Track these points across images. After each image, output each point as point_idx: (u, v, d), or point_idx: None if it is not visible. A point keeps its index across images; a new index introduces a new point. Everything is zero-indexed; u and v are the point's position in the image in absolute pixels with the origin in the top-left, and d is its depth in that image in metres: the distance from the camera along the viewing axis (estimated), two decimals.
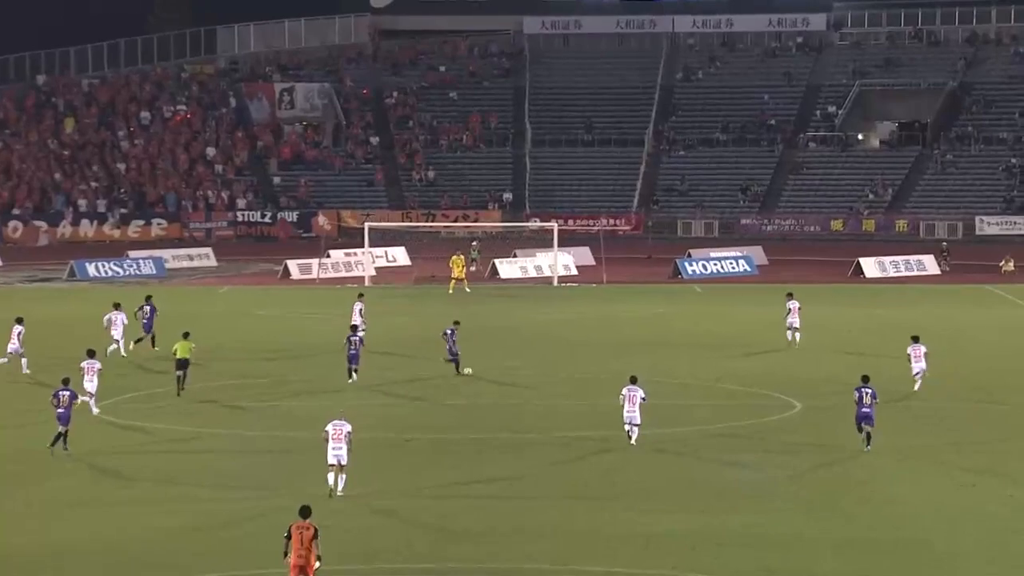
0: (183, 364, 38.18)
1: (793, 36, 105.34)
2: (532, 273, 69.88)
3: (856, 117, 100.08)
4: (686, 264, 70.53)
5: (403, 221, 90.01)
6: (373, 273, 69.31)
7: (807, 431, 34.34)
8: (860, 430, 32.10)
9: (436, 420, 35.85)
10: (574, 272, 70.47)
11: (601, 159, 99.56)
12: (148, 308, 44.69)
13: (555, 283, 67.41)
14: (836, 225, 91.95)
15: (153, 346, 44.12)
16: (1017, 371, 42.36)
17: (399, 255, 76.98)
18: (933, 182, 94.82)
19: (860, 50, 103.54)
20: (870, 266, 69.90)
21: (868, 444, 32.00)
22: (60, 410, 31.56)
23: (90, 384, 35.14)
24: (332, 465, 28.17)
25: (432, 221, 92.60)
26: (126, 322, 43.49)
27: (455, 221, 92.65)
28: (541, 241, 72.55)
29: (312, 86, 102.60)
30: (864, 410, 32.12)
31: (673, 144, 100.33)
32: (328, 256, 72.43)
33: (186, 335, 38.79)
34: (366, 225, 71.09)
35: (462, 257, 64.00)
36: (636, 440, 32.58)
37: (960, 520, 26.52)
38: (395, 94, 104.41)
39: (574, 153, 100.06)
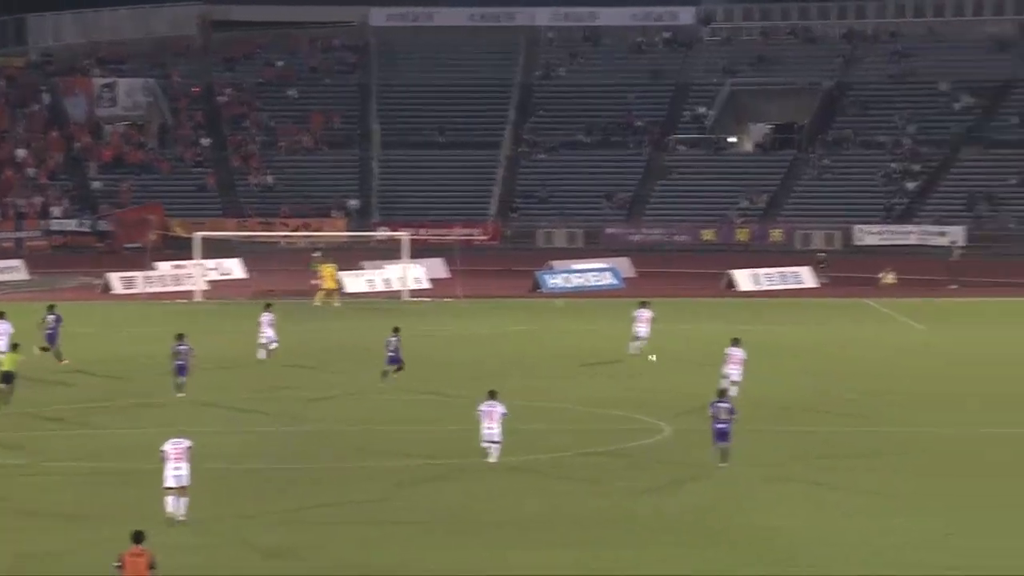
0: (8, 377, 39.59)
1: (660, 31, 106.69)
2: (380, 287, 69.82)
3: (728, 118, 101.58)
4: (547, 277, 70.98)
5: (238, 230, 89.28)
6: (205, 287, 68.77)
7: (676, 456, 34.84)
8: (715, 447, 33.17)
9: (282, 445, 35.77)
10: (426, 286, 70.50)
11: (455, 163, 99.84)
12: (52, 318, 46.70)
13: (406, 297, 67.42)
14: (707, 235, 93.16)
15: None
16: (893, 391, 43.36)
17: (234, 267, 76.41)
18: (809, 189, 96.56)
19: (732, 47, 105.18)
20: (743, 278, 70.87)
21: (724, 460, 33.05)
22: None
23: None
24: (171, 488, 28.07)
25: (270, 230, 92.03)
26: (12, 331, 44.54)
27: (295, 230, 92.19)
28: (390, 252, 72.52)
29: (135, 81, 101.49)
30: (720, 426, 33.18)
31: (533, 147, 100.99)
32: (153, 268, 71.70)
33: (15, 347, 41.03)
34: (197, 235, 70.53)
35: (334, 267, 64.00)
36: (496, 458, 33.21)
37: (837, 546, 27.17)
38: (228, 91, 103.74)
39: (426, 156, 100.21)
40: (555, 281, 70.61)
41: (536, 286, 69.97)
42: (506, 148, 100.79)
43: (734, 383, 40.25)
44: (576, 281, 71.29)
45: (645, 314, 48.96)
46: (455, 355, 50.47)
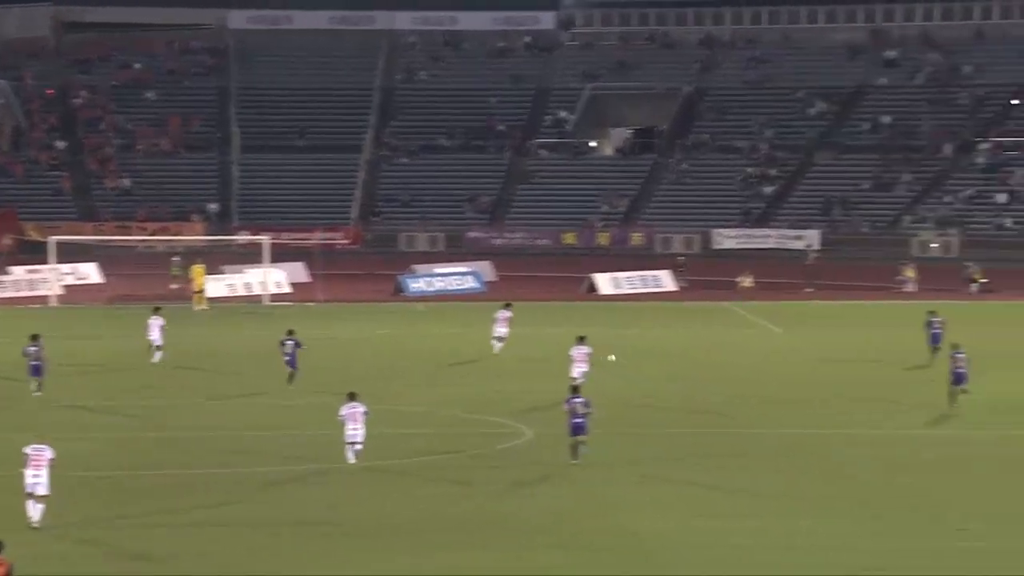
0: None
1: (521, 35, 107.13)
2: (241, 291, 69.31)
3: (589, 123, 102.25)
4: (409, 281, 70.97)
5: (94, 234, 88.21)
6: (60, 292, 67.91)
7: (539, 458, 35.03)
8: (573, 443, 33.92)
9: (137, 453, 35.39)
10: (287, 290, 70.15)
11: (316, 167, 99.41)
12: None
13: (266, 302, 67.03)
14: (568, 238, 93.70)
15: None
16: (750, 395, 43.89)
17: (90, 272, 75.54)
18: (669, 193, 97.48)
19: (591, 51, 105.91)
20: (604, 282, 71.34)
21: (577, 457, 33.83)
22: None
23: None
24: (29, 494, 28.10)
25: (128, 234, 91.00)
26: None
27: (154, 234, 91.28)
28: (251, 256, 72.04)
29: None
30: (576, 420, 34.08)
31: (394, 151, 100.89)
32: (7, 273, 70.57)
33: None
34: (51, 239, 69.59)
35: (203, 267, 63.72)
36: (355, 458, 33.44)
37: (698, 547, 27.51)
38: (83, 94, 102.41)
39: (286, 160, 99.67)
40: (417, 285, 70.62)
41: (398, 290, 69.91)
42: (367, 152, 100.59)
43: (575, 378, 41.17)
44: (438, 285, 71.38)
45: (505, 314, 50.12)
46: (316, 360, 50.27)
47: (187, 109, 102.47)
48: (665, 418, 40.26)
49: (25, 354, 42.05)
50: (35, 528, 27.86)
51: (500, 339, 49.82)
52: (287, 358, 43.88)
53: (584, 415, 34.10)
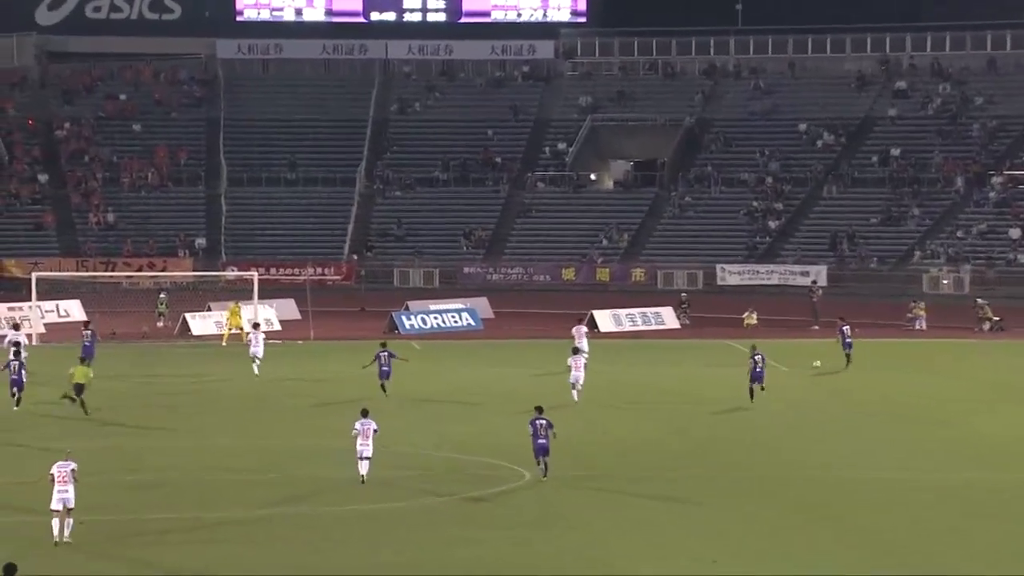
0: (80, 389, 45.07)
1: (519, 65, 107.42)
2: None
3: (588, 155, 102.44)
4: (403, 318, 70.96)
5: (78, 270, 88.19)
6: (42, 330, 67.89)
7: (537, 504, 34.97)
8: (538, 462, 36.20)
9: (117, 497, 35.30)
10: (277, 327, 70.10)
11: (307, 200, 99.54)
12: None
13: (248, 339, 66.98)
14: (568, 274, 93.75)
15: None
16: (750, 440, 43.91)
17: (73, 309, 75.49)
18: (671, 227, 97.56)
19: (591, 82, 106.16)
20: (604, 319, 71.35)
21: (545, 474, 36.15)
22: None
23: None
24: (57, 511, 29.77)
25: (112, 270, 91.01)
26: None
27: (139, 270, 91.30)
28: (240, 292, 72.07)
29: None
30: (540, 441, 36.33)
31: (388, 184, 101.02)
32: None
33: (83, 359, 47.01)
34: (33, 275, 69.66)
35: (240, 306, 64.65)
36: (366, 476, 35.66)
37: None
38: (67, 125, 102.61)
39: (276, 194, 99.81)
40: (412, 322, 70.60)
41: (392, 327, 69.88)
42: (360, 185, 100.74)
43: (573, 384, 48.29)
44: (433, 322, 71.35)
45: (583, 329, 55.24)
46: (303, 399, 50.22)
47: (174, 141, 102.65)
48: (667, 460, 40.19)
49: (7, 367, 45.52)
50: (67, 543, 29.51)
51: (578, 351, 51.56)
52: (384, 369, 49.66)
53: (546, 436, 36.24)
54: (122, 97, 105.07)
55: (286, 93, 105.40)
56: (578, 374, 48.51)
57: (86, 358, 48.62)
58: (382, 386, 49.56)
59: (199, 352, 62.63)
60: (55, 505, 29.94)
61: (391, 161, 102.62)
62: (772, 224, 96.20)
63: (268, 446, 41.87)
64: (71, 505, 30.04)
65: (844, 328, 59.74)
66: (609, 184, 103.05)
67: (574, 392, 48.54)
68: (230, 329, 65.00)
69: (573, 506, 34.43)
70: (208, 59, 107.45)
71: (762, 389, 48.47)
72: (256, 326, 56.86)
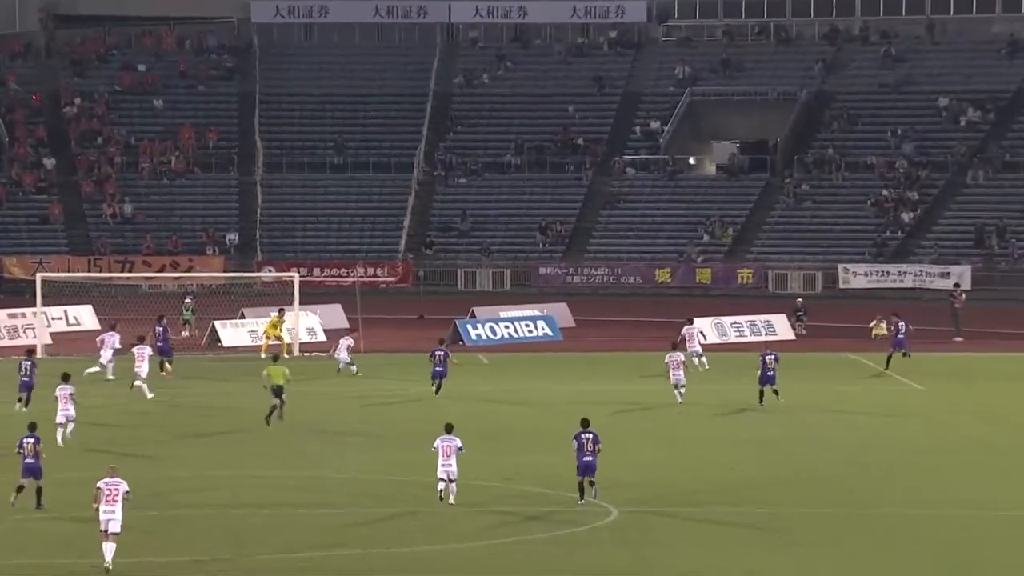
0: (279, 391, 48.16)
1: (605, 30, 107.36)
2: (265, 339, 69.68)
3: (687, 135, 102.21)
4: (469, 327, 71.08)
5: (90, 271, 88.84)
6: (48, 341, 68.39)
7: (625, 543, 34.97)
8: (581, 485, 37.51)
9: (130, 536, 35.59)
10: (322, 338, 70.36)
11: (356, 189, 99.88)
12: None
13: (295, 352, 67.28)
14: (662, 275, 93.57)
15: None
16: (885, 465, 43.72)
17: (84, 316, 76.02)
18: (785, 220, 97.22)
19: (691, 49, 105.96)
20: (706, 328, 71.12)
21: (583, 497, 37.49)
22: (27, 460, 36.96)
23: (65, 413, 45.04)
24: (110, 533, 31.57)
25: (130, 271, 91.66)
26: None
27: (161, 271, 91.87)
28: (278, 297, 72.40)
29: None
30: (586, 458, 37.51)
31: (451, 170, 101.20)
32: None
33: (276, 358, 51.12)
34: (38, 276, 70.11)
35: (282, 318, 65.83)
36: (454, 498, 37.11)
37: None
38: (77, 101, 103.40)
39: (320, 181, 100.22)
40: (479, 332, 70.72)
41: (456, 337, 69.98)
42: (418, 171, 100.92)
43: (675, 385, 52.38)
44: (504, 332, 71.38)
45: (691, 329, 58.19)
46: (352, 422, 50.40)
47: (202, 119, 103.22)
48: (774, 492, 40.09)
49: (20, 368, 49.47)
50: (108, 570, 30.67)
51: (699, 355, 57.05)
52: (439, 368, 53.88)
53: (592, 452, 37.38)
54: (141, 68, 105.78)
55: (332, 63, 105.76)
56: (679, 374, 52.45)
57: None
58: (436, 386, 53.73)
59: (230, 366, 62.92)
60: (103, 526, 31.65)
61: (454, 143, 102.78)
62: (905, 217, 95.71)
63: (311, 477, 42.03)
64: (115, 530, 31.58)
65: (899, 323, 59.91)
66: (711, 169, 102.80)
67: (677, 392, 52.65)
68: (269, 340, 65.27)
69: (665, 548, 34.34)
70: (241, 23, 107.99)
71: (775, 393, 51.62)
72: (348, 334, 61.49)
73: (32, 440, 37.17)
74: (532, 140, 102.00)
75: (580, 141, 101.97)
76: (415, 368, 61.85)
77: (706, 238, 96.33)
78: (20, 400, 50.88)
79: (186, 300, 73.33)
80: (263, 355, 64.12)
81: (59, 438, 45.07)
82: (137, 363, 54.18)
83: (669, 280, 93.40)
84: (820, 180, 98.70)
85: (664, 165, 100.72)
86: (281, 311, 66.76)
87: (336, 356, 60.02)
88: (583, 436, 37.78)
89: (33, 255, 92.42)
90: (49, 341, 68.56)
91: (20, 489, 37.16)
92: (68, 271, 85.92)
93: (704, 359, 60.67)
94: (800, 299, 78.46)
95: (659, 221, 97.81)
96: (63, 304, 75.28)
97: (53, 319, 72.71)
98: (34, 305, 69.29)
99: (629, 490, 39.86)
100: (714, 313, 74.01)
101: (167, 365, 60.11)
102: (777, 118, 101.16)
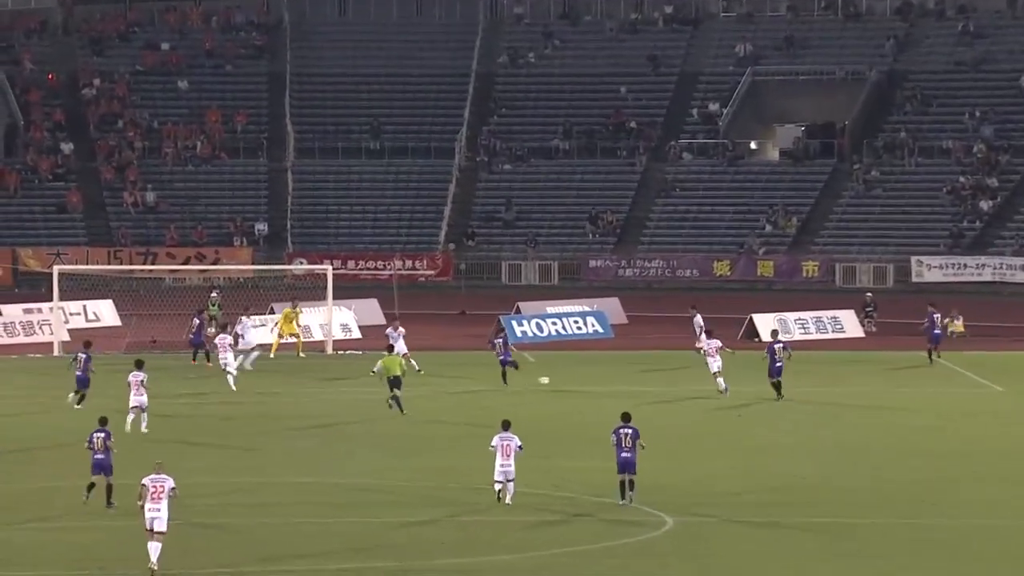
0: (396, 382, 50.16)
1: (660, 5, 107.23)
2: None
3: (748, 118, 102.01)
4: (514, 323, 71.07)
5: (110, 263, 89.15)
6: (66, 338, 68.62)
7: (683, 555, 34.95)
8: (622, 485, 37.99)
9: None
10: (357, 335, 70.48)
11: (394, 176, 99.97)
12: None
13: (329, 350, 67.32)
14: (721, 268, 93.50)
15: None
16: (959, 474, 43.56)
17: (104, 311, 76.26)
18: (853, 209, 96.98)
19: (753, 25, 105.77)
20: (768, 325, 71.00)
21: (623, 497, 37.92)
22: (97, 456, 37.54)
23: (138, 398, 47.02)
24: (156, 532, 32.18)
25: (153, 263, 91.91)
26: None
27: (186, 263, 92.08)
28: (310, 291, 72.53)
29: None
30: (624, 455, 38.10)
31: (495, 155, 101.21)
32: None
33: (391, 348, 53.49)
34: (55, 269, 70.34)
35: (296, 311, 65.96)
36: (511, 499, 37.73)
37: None
38: (97, 82, 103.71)
39: (355, 167, 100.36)
40: (524, 328, 70.74)
41: (500, 334, 69.90)
42: (460, 157, 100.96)
43: (715, 373, 54.13)
44: (551, 328, 71.40)
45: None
46: (386, 425, 50.47)
47: (229, 102, 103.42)
48: (847, 503, 40.00)
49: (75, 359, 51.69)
50: (153, 571, 31.45)
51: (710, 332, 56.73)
52: (502, 357, 56.34)
53: (631, 449, 37.96)
54: (164, 47, 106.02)
55: (368, 41, 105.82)
56: (715, 361, 54.20)
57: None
58: (503, 374, 56.64)
59: (260, 365, 63.00)
60: (148, 525, 32.30)
61: (499, 127, 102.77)
62: (984, 205, 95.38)
63: (344, 484, 42.08)
64: (160, 528, 32.19)
65: (935, 316, 59.95)
66: (774, 154, 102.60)
67: (720, 381, 54.17)
68: (281, 337, 65.24)
69: (726, 560, 34.29)
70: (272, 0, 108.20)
71: (776, 386, 53.35)
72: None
73: (102, 435, 37.82)
74: (582, 123, 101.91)
75: (633, 124, 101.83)
76: (456, 367, 61.92)
77: (768, 228, 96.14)
78: (76, 393, 51.93)
79: (212, 295, 73.47)
80: (271, 355, 64.20)
81: (127, 425, 47.07)
82: (221, 354, 56.47)
83: (728, 273, 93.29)
84: (891, 166, 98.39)
85: (723, 150, 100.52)
86: (295, 304, 66.76)
87: (397, 351, 59.07)
88: (622, 431, 38.31)
89: (50, 246, 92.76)
90: (67, 338, 68.78)
91: (91, 487, 37.80)
92: (87, 263, 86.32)
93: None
94: (870, 294, 78.25)
95: (718, 210, 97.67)
96: (82, 299, 75.48)
97: (71, 315, 72.98)
98: (51, 300, 69.59)
99: (684, 497, 39.92)
100: (777, 309, 73.72)
101: (204, 360, 61.16)
102: (845, 99, 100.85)
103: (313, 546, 35.78)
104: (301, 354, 65.07)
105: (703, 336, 59.67)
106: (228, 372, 56.16)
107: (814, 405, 54.42)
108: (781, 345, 53.85)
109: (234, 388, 55.84)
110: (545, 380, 57.45)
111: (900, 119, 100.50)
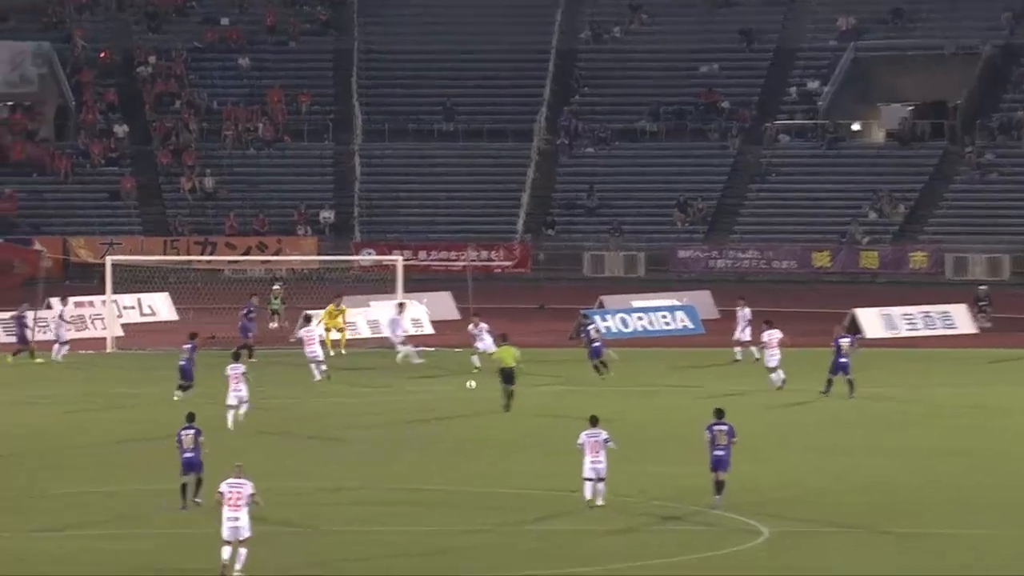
0: (509, 375, 51.42)
1: None
2: (365, 332, 70.03)
3: (850, 97, 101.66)
4: (597, 318, 70.85)
5: (166, 254, 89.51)
6: (119, 333, 68.88)
7: (779, 568, 34.77)
8: (715, 484, 38.36)
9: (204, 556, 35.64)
10: (429, 331, 70.56)
11: (468, 160, 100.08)
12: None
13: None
14: (820, 259, 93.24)
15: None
16: None
17: (159, 305, 76.54)
18: (966, 195, 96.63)
19: None
20: (872, 320, 70.90)
21: (718, 493, 38.46)
22: (187, 454, 38.06)
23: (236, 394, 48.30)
24: (228, 541, 32.48)
25: (211, 254, 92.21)
26: None
27: (246, 254, 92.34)
28: (378, 284, 72.62)
29: (21, 46, 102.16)
30: (717, 452, 38.61)
31: (577, 138, 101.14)
32: (48, 308, 71.78)
33: (504, 337, 53.83)
34: (108, 260, 70.57)
35: (341, 308, 66.30)
36: (602, 500, 38.07)
37: None
38: (152, 60, 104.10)
39: (427, 151, 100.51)
40: (608, 323, 70.75)
41: (582, 330, 69.76)
42: (539, 140, 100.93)
43: (772, 367, 55.17)
44: (637, 324, 71.39)
45: (846, 339, 55.25)
46: (461, 429, 50.37)
47: (293, 81, 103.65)
48: (957, 513, 39.69)
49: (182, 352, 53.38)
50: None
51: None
52: (595, 345, 58.07)
53: (725, 447, 38.48)
54: (224, 22, 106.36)
55: (441, 16, 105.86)
56: (773, 352, 55.34)
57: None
58: (595, 366, 58.06)
59: (352, 362, 63.18)
60: (225, 534, 32.46)
61: (581, 107, 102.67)
62: None
63: (406, 489, 42.10)
64: (243, 535, 32.50)
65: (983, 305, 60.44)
66: (879, 136, 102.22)
67: (774, 377, 55.30)
68: (328, 330, 65.10)
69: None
70: None
71: (849, 384, 53.22)
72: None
73: (192, 432, 38.33)
74: (670, 103, 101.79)
75: (725, 104, 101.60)
76: (536, 365, 61.71)
77: (872, 216, 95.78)
78: (180, 388, 53.13)
79: (274, 287, 73.73)
80: (343, 351, 64.38)
81: (230, 421, 48.04)
82: (307, 347, 58.02)
83: (828, 265, 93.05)
84: (1007, 148, 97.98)
85: (823, 132, 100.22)
86: (339, 299, 66.74)
87: (482, 349, 59.97)
88: (716, 428, 38.72)
89: (103, 236, 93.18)
90: (120, 333, 69.20)
91: (184, 489, 38.12)
92: (141, 254, 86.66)
93: (752, 350, 61.41)
94: (984, 287, 77.92)
95: (817, 197, 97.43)
96: (136, 291, 75.82)
97: (125, 308, 73.36)
98: (103, 292, 69.89)
99: (779, 506, 39.63)
100: (882, 303, 73.45)
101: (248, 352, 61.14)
102: (957, 76, 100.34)
103: (370, 557, 35.66)
104: (343, 351, 64.96)
105: (747, 329, 61.45)
106: (316, 362, 57.63)
107: (923, 406, 53.94)
108: (848, 340, 53.63)
109: (318, 378, 57.24)
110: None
111: (1017, 97, 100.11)
